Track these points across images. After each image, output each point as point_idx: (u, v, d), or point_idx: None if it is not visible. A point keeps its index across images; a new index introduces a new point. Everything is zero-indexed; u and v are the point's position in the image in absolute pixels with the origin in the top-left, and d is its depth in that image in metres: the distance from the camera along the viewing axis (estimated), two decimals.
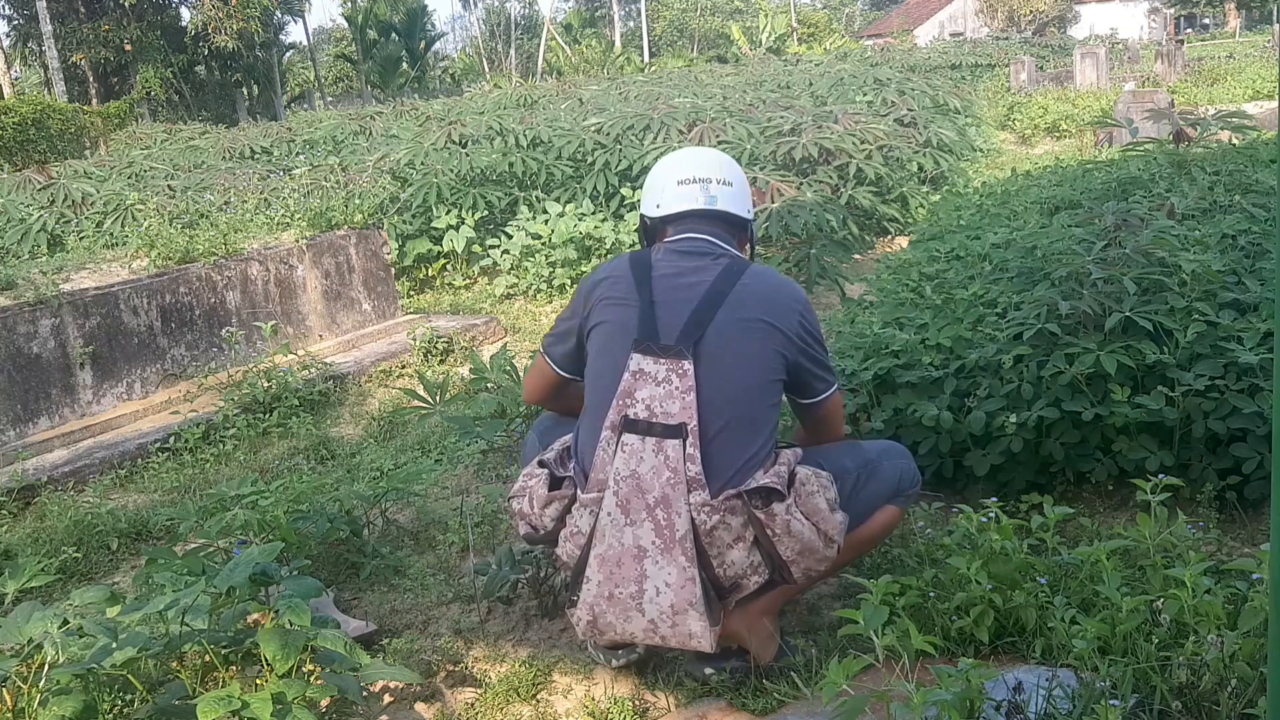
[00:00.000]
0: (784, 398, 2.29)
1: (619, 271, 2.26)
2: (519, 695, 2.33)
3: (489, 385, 4.20)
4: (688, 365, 2.09)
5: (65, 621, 2.09)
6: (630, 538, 2.06)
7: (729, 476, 2.08)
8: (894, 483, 2.37)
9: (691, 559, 2.04)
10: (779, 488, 2.07)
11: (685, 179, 2.34)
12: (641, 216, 2.45)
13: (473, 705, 2.33)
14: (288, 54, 37.64)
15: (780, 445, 2.24)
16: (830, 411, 2.35)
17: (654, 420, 2.08)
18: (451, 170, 7.90)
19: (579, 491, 2.16)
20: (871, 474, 2.34)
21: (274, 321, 5.52)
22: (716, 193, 2.32)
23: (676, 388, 2.08)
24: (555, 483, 2.23)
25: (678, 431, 2.06)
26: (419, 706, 2.35)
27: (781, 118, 8.75)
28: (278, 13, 29.22)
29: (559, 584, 2.71)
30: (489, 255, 7.39)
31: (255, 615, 2.26)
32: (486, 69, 43.25)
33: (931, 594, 2.30)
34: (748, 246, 2.43)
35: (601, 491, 2.10)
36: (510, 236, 7.30)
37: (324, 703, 2.18)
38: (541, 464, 2.28)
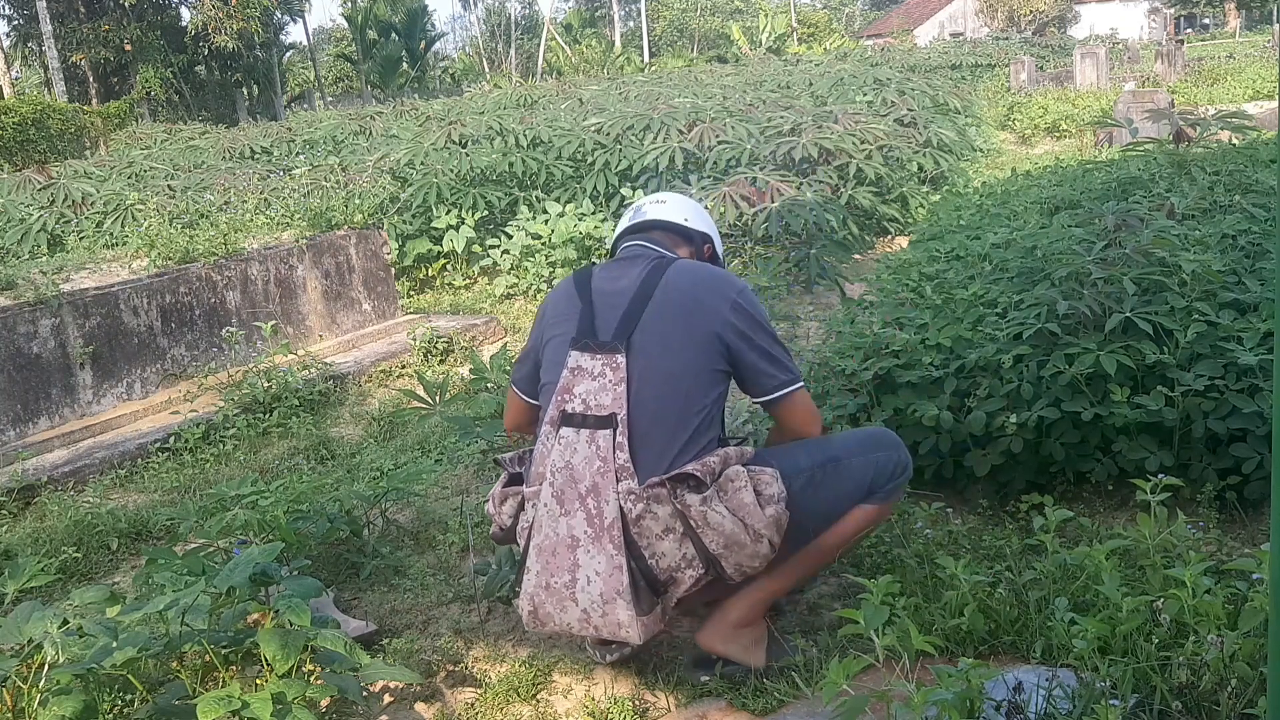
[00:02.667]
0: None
1: (562, 289, 2.37)
2: (519, 695, 2.33)
3: (489, 385, 4.20)
4: (620, 359, 2.14)
5: (65, 621, 2.09)
6: (564, 528, 2.10)
7: (660, 467, 2.10)
8: (866, 481, 2.25)
9: (619, 547, 2.06)
10: (701, 476, 2.08)
11: (629, 211, 2.56)
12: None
13: (473, 705, 2.33)
14: (288, 54, 37.64)
15: (730, 441, 2.26)
16: (790, 412, 2.27)
17: (588, 413, 2.13)
18: (451, 170, 7.90)
19: (525, 486, 2.23)
20: (834, 472, 2.23)
21: (274, 321, 5.52)
22: (648, 209, 2.49)
23: (610, 380, 2.13)
24: (513, 480, 2.31)
25: (608, 422, 2.11)
26: (419, 706, 2.35)
27: (781, 118, 8.75)
28: (278, 13, 29.22)
29: None
30: (489, 255, 7.39)
31: (255, 615, 2.26)
32: (486, 69, 43.25)
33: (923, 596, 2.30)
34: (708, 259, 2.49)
35: (541, 484, 2.15)
36: (510, 236, 7.30)
37: (324, 703, 2.18)
38: (497, 463, 2.38)
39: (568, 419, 2.14)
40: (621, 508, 2.07)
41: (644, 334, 2.17)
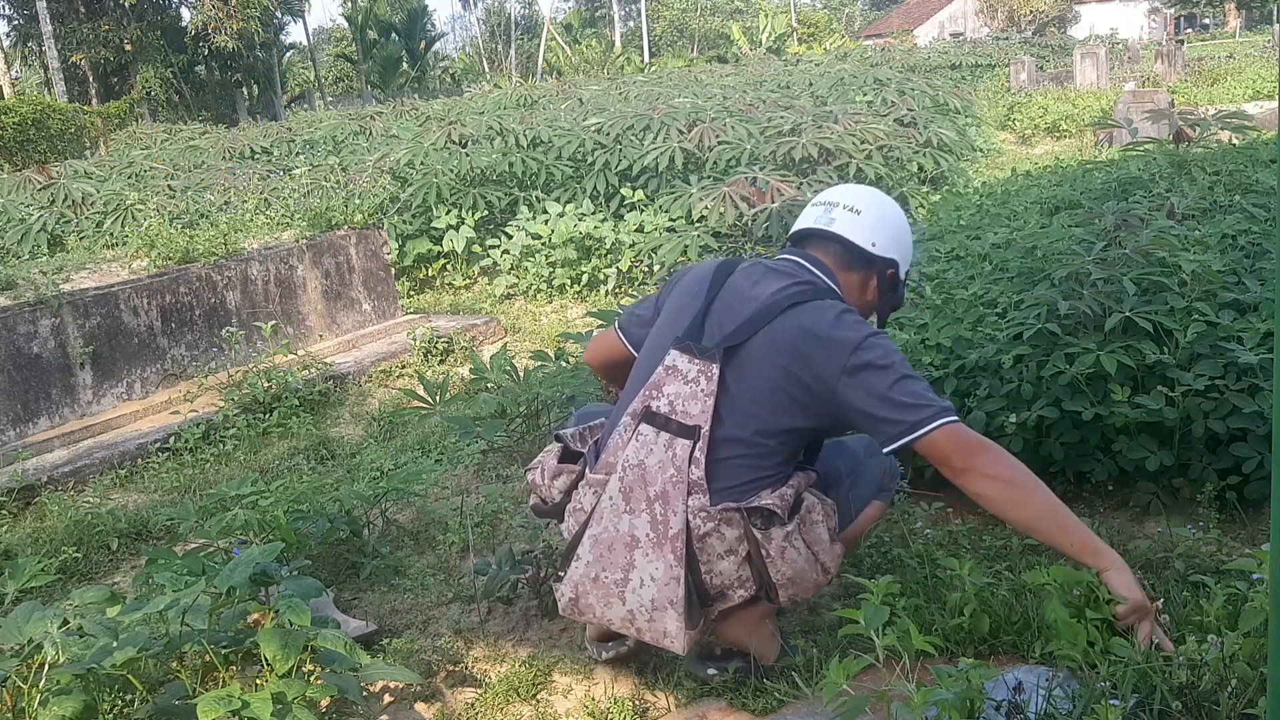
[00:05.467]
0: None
1: (703, 271, 2.27)
2: (519, 695, 2.33)
3: (489, 385, 4.20)
4: (716, 370, 2.09)
5: (65, 621, 2.09)
6: (627, 525, 2.08)
7: (733, 489, 2.08)
8: (878, 479, 2.36)
9: (680, 559, 2.04)
10: (779, 511, 2.06)
11: (818, 201, 2.34)
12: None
13: (473, 705, 2.33)
14: (288, 54, 37.63)
15: (800, 467, 2.21)
16: (931, 455, 2.06)
17: (673, 417, 2.09)
18: (451, 170, 7.90)
19: (588, 470, 2.19)
20: (860, 474, 2.33)
21: (274, 321, 5.52)
22: (836, 215, 2.27)
23: (702, 390, 2.09)
24: (569, 456, 2.26)
25: (691, 433, 2.07)
26: (419, 706, 2.35)
27: (781, 118, 8.75)
28: (278, 13, 29.19)
29: None
30: (489, 255, 7.40)
31: (255, 615, 2.26)
32: (486, 69, 43.25)
33: (924, 597, 2.30)
34: (873, 286, 2.28)
35: (609, 474, 2.12)
36: (510, 236, 7.30)
37: (324, 703, 2.18)
38: (558, 437, 2.31)
39: (650, 416, 2.10)
40: (689, 522, 2.05)
41: (748, 357, 2.10)
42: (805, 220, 2.31)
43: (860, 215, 2.26)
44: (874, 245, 2.25)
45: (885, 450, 2.09)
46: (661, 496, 2.06)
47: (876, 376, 2.04)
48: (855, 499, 2.31)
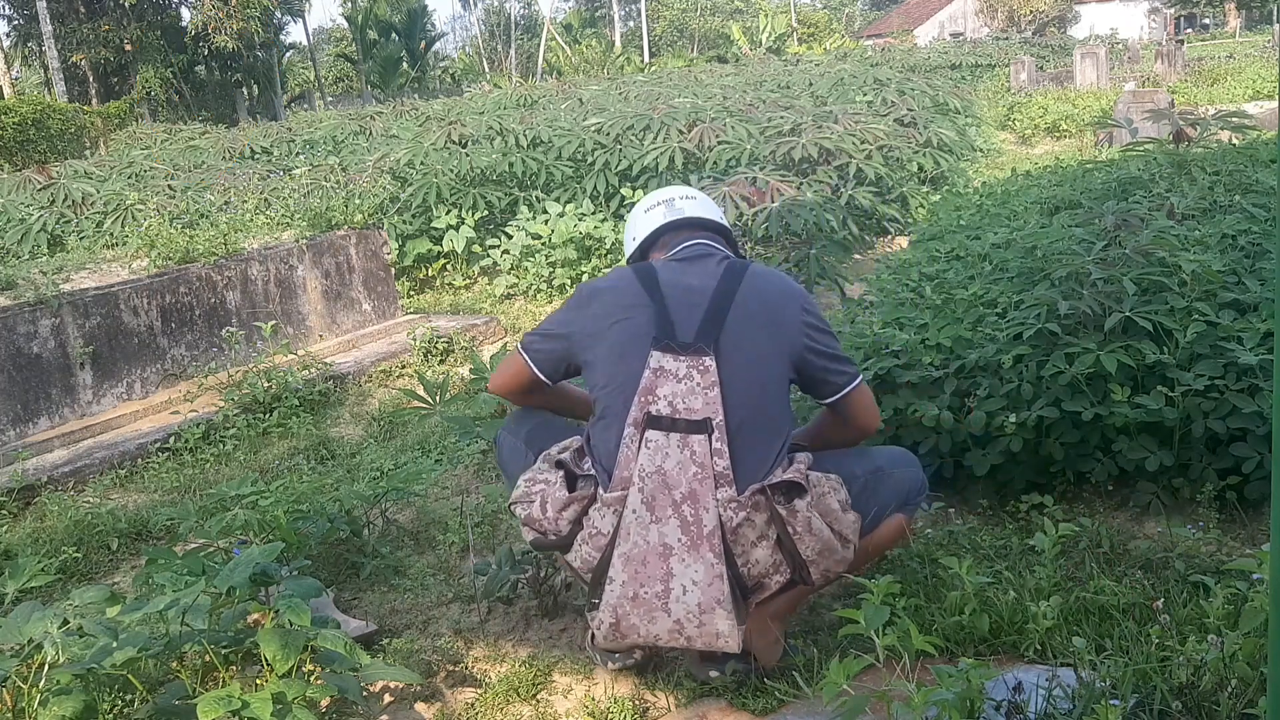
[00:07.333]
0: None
1: (623, 282, 2.24)
2: (519, 695, 2.33)
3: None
4: (709, 361, 2.09)
5: (65, 621, 2.09)
6: (656, 535, 2.04)
7: (758, 474, 2.08)
8: (902, 492, 2.32)
9: (719, 555, 2.02)
10: (801, 481, 2.07)
11: (650, 206, 2.47)
12: (627, 263, 2.45)
13: (473, 705, 2.33)
14: (288, 54, 37.61)
15: (792, 449, 2.22)
16: (857, 406, 2.28)
17: (677, 416, 2.07)
18: (451, 170, 7.90)
19: (600, 491, 2.11)
20: (880, 482, 2.29)
21: (274, 321, 5.52)
22: (682, 205, 2.42)
23: (698, 384, 2.08)
24: (572, 483, 2.17)
25: (702, 427, 2.05)
26: (419, 706, 2.35)
27: (781, 118, 8.75)
28: (278, 13, 29.18)
29: (559, 584, 2.72)
30: (489, 255, 7.39)
31: (255, 615, 2.26)
32: (486, 69, 43.25)
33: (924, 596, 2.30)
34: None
35: (626, 489, 2.07)
36: (510, 236, 7.30)
37: (324, 703, 2.18)
38: (559, 465, 2.20)
39: (654, 421, 2.06)
40: (720, 516, 2.03)
41: (729, 339, 2.12)
42: (652, 222, 2.42)
43: (697, 199, 2.46)
44: (720, 218, 2.44)
45: (826, 401, 2.27)
46: (689, 497, 2.03)
47: (824, 336, 2.23)
48: (873, 505, 2.26)
